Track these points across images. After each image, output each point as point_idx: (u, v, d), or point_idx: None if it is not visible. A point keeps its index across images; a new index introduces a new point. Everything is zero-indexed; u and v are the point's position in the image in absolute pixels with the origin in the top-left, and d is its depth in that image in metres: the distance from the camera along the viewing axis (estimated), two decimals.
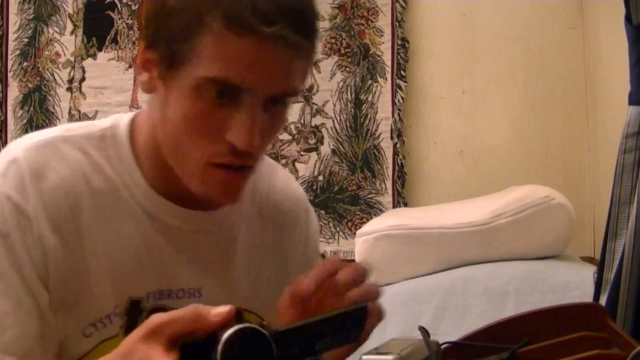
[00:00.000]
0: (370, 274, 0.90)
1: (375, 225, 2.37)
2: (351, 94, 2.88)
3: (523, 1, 2.85)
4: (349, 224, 2.87)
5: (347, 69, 2.88)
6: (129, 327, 0.94)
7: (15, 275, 0.88)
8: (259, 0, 0.83)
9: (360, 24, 2.88)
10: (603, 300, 1.46)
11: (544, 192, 2.30)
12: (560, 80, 2.84)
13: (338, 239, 2.88)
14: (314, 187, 2.89)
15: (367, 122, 2.87)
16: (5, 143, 2.90)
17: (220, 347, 0.66)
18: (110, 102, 2.91)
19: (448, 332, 1.93)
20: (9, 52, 2.92)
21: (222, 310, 0.68)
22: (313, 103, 2.89)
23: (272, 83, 0.87)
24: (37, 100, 2.93)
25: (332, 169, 2.88)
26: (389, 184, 2.86)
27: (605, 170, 2.23)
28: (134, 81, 2.87)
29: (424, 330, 1.05)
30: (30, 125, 2.92)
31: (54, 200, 0.90)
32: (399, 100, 2.85)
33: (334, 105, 2.88)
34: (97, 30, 2.92)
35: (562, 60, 2.85)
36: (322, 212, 2.88)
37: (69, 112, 2.93)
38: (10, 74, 2.93)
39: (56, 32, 2.94)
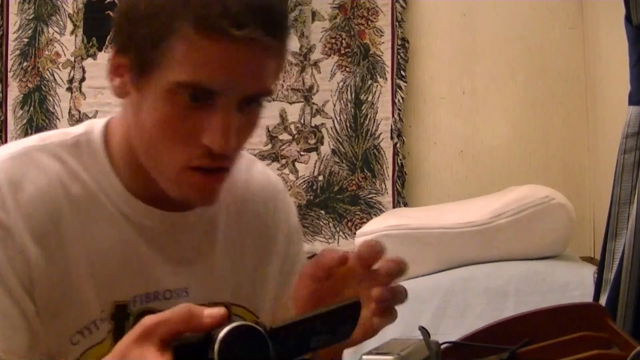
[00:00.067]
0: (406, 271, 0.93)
1: (375, 225, 2.37)
2: (351, 94, 2.88)
3: (523, 1, 2.85)
4: (349, 224, 2.87)
5: (347, 69, 2.88)
6: (116, 332, 0.94)
7: (0, 289, 0.88)
8: (229, 3, 0.83)
9: (360, 24, 2.88)
10: (603, 300, 1.46)
11: (544, 192, 2.30)
12: (560, 80, 2.84)
13: (338, 239, 2.88)
14: (314, 187, 2.89)
15: (367, 122, 2.88)
16: (5, 143, 2.90)
17: (216, 346, 0.66)
18: (110, 102, 2.91)
19: (448, 332, 1.93)
20: (9, 52, 2.92)
21: (215, 311, 0.68)
22: (313, 103, 2.89)
23: (245, 85, 0.87)
24: (37, 100, 2.93)
25: (332, 169, 2.88)
26: (389, 184, 2.86)
27: (605, 170, 2.23)
28: None
29: (424, 330, 1.05)
30: (30, 125, 2.92)
31: (33, 211, 0.90)
32: (399, 100, 2.85)
33: (334, 105, 2.88)
34: (97, 30, 2.92)
35: (562, 60, 2.85)
36: (322, 212, 2.88)
37: (69, 112, 2.93)
38: (10, 74, 2.93)
39: (56, 32, 2.94)
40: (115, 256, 0.95)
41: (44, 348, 0.91)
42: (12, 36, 2.93)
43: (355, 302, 0.77)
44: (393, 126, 2.85)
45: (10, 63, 2.92)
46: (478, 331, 1.17)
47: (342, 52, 2.88)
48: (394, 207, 2.84)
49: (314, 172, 2.89)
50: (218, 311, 0.68)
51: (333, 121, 2.89)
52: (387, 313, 0.90)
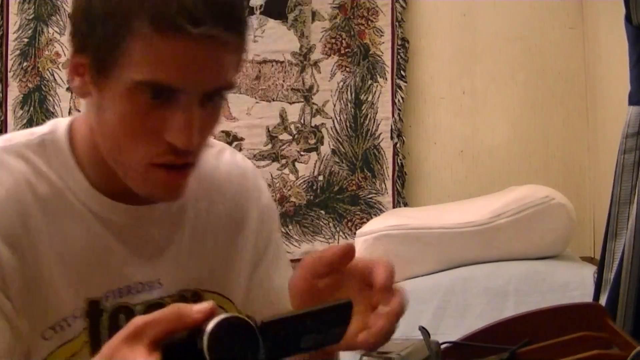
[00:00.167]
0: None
1: (375, 225, 2.37)
2: (351, 94, 2.88)
3: (523, 1, 2.85)
4: (349, 224, 2.87)
5: (347, 69, 2.88)
6: (92, 329, 0.95)
7: None
8: (185, 0, 0.82)
9: (360, 24, 2.88)
10: (603, 300, 1.46)
11: (544, 192, 2.30)
12: (560, 80, 2.84)
13: (338, 239, 2.88)
14: (314, 187, 2.89)
15: (367, 122, 2.87)
16: None
17: (206, 337, 0.65)
18: None
19: (448, 332, 1.93)
20: (9, 52, 2.92)
21: (204, 306, 0.68)
22: (313, 103, 2.89)
23: (206, 81, 0.87)
24: (37, 100, 2.93)
25: (332, 169, 2.88)
26: (389, 184, 2.86)
27: (605, 170, 2.23)
28: None
29: (424, 330, 1.05)
30: (30, 125, 2.92)
31: (1, 212, 0.91)
32: (399, 100, 2.85)
33: (334, 105, 2.88)
34: None
35: (562, 60, 2.85)
36: (322, 212, 2.88)
37: (69, 112, 2.93)
38: (10, 74, 2.93)
39: (56, 32, 2.93)
40: (85, 253, 0.95)
41: (24, 347, 0.92)
42: (12, 36, 2.93)
43: (347, 302, 0.76)
44: (393, 126, 2.85)
45: (10, 63, 2.92)
46: (478, 331, 1.17)
47: (342, 52, 2.88)
48: (394, 207, 2.84)
49: (314, 172, 2.89)
50: (207, 305, 0.68)
51: (333, 121, 2.89)
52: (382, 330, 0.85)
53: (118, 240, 0.98)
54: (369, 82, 2.87)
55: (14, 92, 2.93)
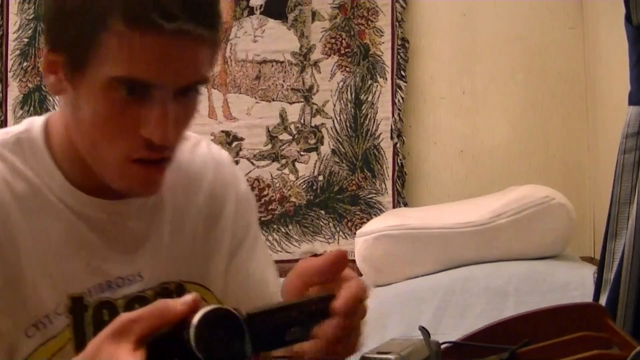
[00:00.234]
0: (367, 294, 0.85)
1: (375, 225, 2.37)
2: (351, 94, 2.88)
3: (523, 1, 2.85)
4: (349, 224, 2.87)
5: (347, 69, 2.88)
6: (76, 325, 0.96)
7: None
8: None
9: (360, 24, 2.88)
10: (603, 300, 1.46)
11: (544, 192, 2.30)
12: (560, 80, 2.84)
13: (338, 239, 2.88)
14: (314, 187, 2.89)
15: (367, 122, 2.87)
16: None
17: (192, 329, 0.65)
18: None
19: (448, 332, 1.93)
20: (9, 52, 2.92)
21: (188, 298, 0.69)
22: (313, 103, 2.89)
23: (180, 76, 0.88)
24: (37, 100, 2.93)
25: (332, 169, 2.88)
26: (389, 184, 2.86)
27: (605, 170, 2.23)
28: None
29: (424, 330, 1.05)
30: None
31: None
32: (399, 100, 2.85)
33: (334, 105, 2.88)
34: None
35: (562, 60, 2.85)
36: (322, 212, 2.88)
37: None
38: (10, 74, 2.93)
39: None
40: (65, 249, 0.96)
41: (5, 345, 0.92)
42: (12, 36, 2.93)
43: (329, 295, 0.77)
44: (393, 126, 2.85)
45: (10, 63, 2.92)
46: (478, 331, 1.17)
47: (342, 52, 2.88)
48: (394, 207, 2.84)
49: (314, 172, 2.89)
50: (190, 297, 0.69)
51: (333, 121, 2.89)
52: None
53: (97, 236, 0.98)
54: (369, 82, 2.87)
55: (14, 92, 2.93)
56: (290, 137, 2.90)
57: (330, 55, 2.88)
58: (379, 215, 2.76)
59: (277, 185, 2.90)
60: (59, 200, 0.96)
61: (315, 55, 2.88)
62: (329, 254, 0.84)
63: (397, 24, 2.86)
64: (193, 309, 0.67)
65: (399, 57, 2.86)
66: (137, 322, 0.68)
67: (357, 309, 0.80)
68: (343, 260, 0.84)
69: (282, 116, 2.90)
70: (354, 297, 0.79)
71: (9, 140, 0.97)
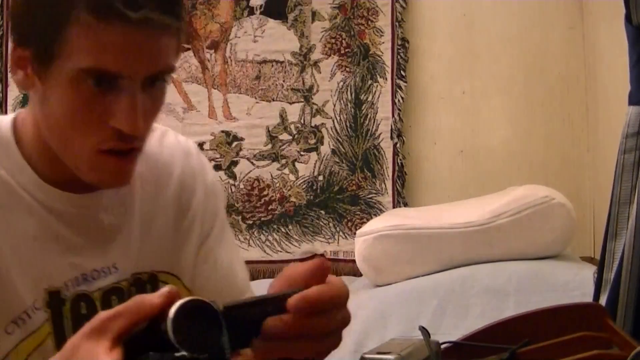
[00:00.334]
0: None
1: (375, 225, 2.36)
2: (351, 94, 2.88)
3: (523, 1, 2.85)
4: (349, 224, 2.87)
5: (347, 69, 2.88)
6: (55, 319, 0.96)
7: None
8: None
9: (360, 24, 2.88)
10: (603, 300, 1.46)
11: (544, 192, 2.29)
12: (560, 80, 2.84)
13: (338, 239, 2.88)
14: (314, 187, 2.89)
15: (367, 122, 2.87)
16: None
17: (170, 319, 0.65)
18: None
19: (448, 332, 1.93)
20: (9, 52, 2.92)
21: (164, 290, 0.69)
22: (313, 103, 2.89)
23: (147, 65, 0.88)
24: None
25: (332, 169, 2.88)
26: (389, 184, 2.86)
27: (605, 170, 2.23)
28: None
29: (424, 330, 1.05)
30: None
31: None
32: (399, 100, 2.85)
33: (334, 105, 2.88)
34: None
35: (562, 60, 2.85)
36: (322, 212, 2.88)
37: None
38: (10, 74, 2.93)
39: None
40: (39, 244, 0.97)
41: None
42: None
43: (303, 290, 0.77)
44: (393, 126, 2.85)
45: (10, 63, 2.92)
46: (478, 331, 1.17)
47: (342, 52, 2.88)
48: (394, 207, 2.84)
49: (314, 172, 2.89)
50: (166, 289, 0.69)
51: (333, 121, 2.89)
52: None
53: (70, 230, 0.99)
54: (369, 82, 2.87)
55: (14, 92, 2.93)
56: (290, 137, 2.90)
57: (330, 55, 2.88)
58: (379, 215, 2.76)
59: (277, 185, 2.90)
60: (31, 196, 0.97)
61: (315, 55, 2.88)
62: (311, 262, 0.79)
63: (397, 24, 2.86)
64: (170, 301, 0.67)
65: (399, 57, 2.86)
66: (115, 320, 0.68)
67: (317, 309, 0.73)
68: (324, 270, 0.78)
69: (282, 116, 2.90)
70: (317, 297, 0.73)
71: None
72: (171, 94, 2.90)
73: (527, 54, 2.86)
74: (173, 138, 1.14)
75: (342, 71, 2.88)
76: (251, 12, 2.90)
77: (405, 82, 2.86)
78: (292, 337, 0.72)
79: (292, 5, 2.89)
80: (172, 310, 0.66)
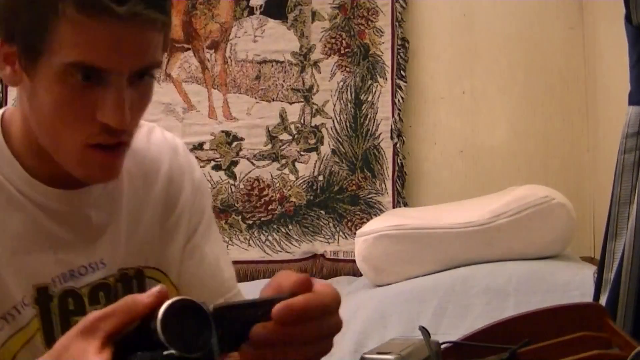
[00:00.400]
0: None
1: (375, 225, 2.37)
2: (351, 94, 2.88)
3: (523, 1, 2.85)
4: (349, 224, 2.87)
5: (347, 69, 2.88)
6: (43, 315, 0.97)
7: None
8: None
9: (360, 24, 2.88)
10: (603, 300, 1.46)
11: (544, 192, 2.30)
12: (560, 80, 2.84)
13: (338, 239, 2.88)
14: (314, 187, 2.88)
15: (367, 122, 2.87)
16: None
17: (159, 319, 0.66)
18: None
19: (448, 332, 1.93)
20: None
21: (154, 290, 0.69)
22: (313, 103, 2.89)
23: (134, 60, 0.89)
24: None
25: (332, 169, 2.88)
26: (389, 184, 2.86)
27: (605, 170, 2.23)
28: None
29: (424, 330, 1.05)
30: None
31: None
32: (399, 100, 2.85)
33: (334, 105, 2.88)
34: None
35: (562, 60, 2.85)
36: (322, 212, 2.88)
37: None
38: None
39: None
40: (28, 240, 0.97)
41: None
42: None
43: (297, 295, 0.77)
44: (393, 126, 2.85)
45: None
46: (478, 331, 1.17)
47: (342, 52, 2.88)
48: (394, 207, 2.84)
49: (314, 172, 2.89)
50: (156, 289, 0.69)
51: (333, 121, 2.89)
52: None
53: (58, 226, 0.99)
54: (369, 82, 2.87)
55: (14, 91, 2.92)
56: (290, 137, 2.90)
57: (330, 55, 2.88)
58: (379, 215, 2.76)
59: (277, 185, 2.90)
60: (19, 192, 0.97)
61: (315, 55, 2.88)
62: (298, 277, 0.76)
63: (397, 24, 2.86)
64: (161, 300, 0.67)
65: (399, 57, 2.86)
66: (105, 320, 0.68)
67: (302, 318, 0.72)
68: (305, 287, 0.75)
69: (282, 116, 2.90)
70: (302, 306, 0.72)
71: None
72: (171, 94, 2.90)
73: (527, 54, 2.86)
74: (160, 135, 1.14)
75: (342, 71, 2.88)
76: (251, 12, 2.90)
77: (405, 82, 2.86)
78: (279, 344, 0.72)
79: (292, 5, 2.89)
80: (162, 309, 0.66)
